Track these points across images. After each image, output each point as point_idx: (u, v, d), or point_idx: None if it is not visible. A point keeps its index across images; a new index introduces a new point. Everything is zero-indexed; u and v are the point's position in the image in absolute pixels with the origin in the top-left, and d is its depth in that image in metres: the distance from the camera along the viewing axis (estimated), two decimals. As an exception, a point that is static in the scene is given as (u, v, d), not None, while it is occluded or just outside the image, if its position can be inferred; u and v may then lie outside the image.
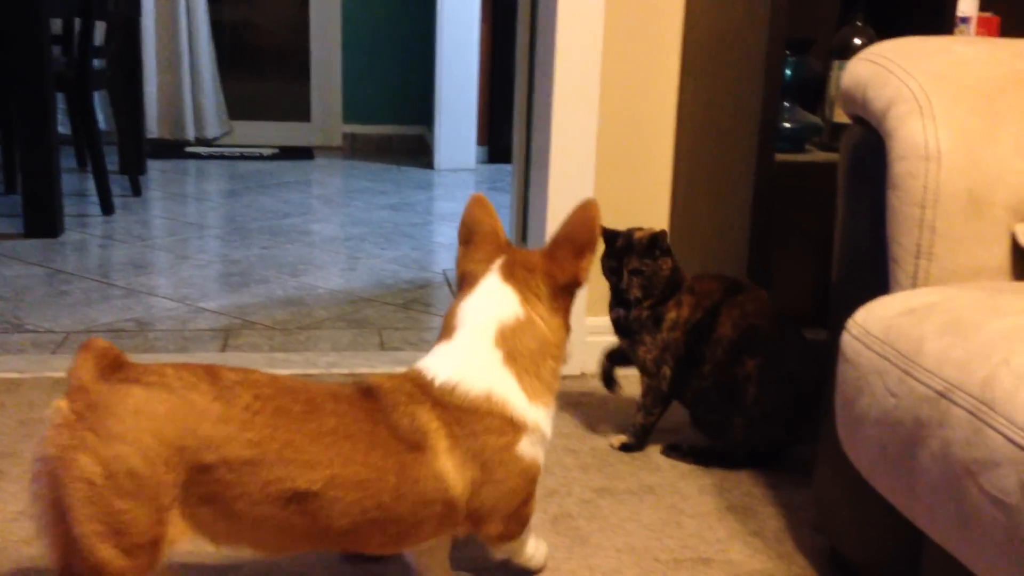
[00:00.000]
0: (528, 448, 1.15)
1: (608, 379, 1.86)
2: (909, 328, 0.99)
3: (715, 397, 1.68)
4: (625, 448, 1.76)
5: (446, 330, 1.18)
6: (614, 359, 1.85)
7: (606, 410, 1.96)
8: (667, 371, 1.71)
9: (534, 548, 1.32)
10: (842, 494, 1.32)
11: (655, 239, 1.66)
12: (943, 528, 0.89)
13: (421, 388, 1.12)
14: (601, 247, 1.65)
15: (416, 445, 1.08)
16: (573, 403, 1.99)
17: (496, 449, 1.12)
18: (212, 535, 1.05)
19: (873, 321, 1.05)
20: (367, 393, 1.11)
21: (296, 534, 1.06)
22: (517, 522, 1.20)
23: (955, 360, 0.90)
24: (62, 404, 1.00)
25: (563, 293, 1.19)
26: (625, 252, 1.67)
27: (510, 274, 1.18)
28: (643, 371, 1.73)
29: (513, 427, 1.13)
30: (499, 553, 1.26)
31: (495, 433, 1.12)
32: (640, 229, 1.69)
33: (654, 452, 1.77)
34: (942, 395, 0.89)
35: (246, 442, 1.01)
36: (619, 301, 1.73)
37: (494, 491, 1.13)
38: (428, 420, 1.09)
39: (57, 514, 0.98)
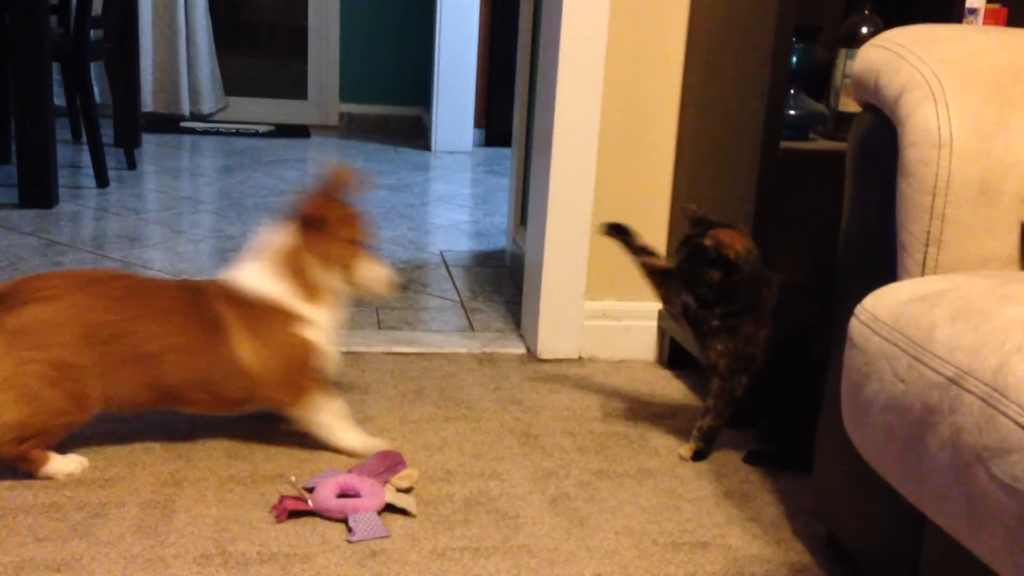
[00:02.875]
0: (303, 330, 1.56)
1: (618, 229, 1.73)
2: (919, 315, 0.99)
3: (799, 416, 1.58)
4: (697, 456, 1.67)
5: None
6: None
7: (604, 393, 1.96)
8: (743, 379, 1.64)
9: (352, 438, 1.62)
10: (842, 480, 1.33)
11: (695, 248, 1.57)
12: (951, 514, 0.89)
13: (224, 287, 1.56)
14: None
15: (217, 326, 1.52)
16: (570, 387, 1.99)
17: (274, 329, 1.55)
18: (107, 399, 1.47)
19: (882, 307, 1.05)
20: (189, 287, 1.57)
21: (151, 391, 1.50)
22: (299, 390, 1.58)
23: (967, 347, 0.90)
24: None
25: (309, 229, 1.58)
26: (683, 244, 1.61)
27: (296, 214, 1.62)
28: (714, 373, 1.66)
29: (287, 314, 1.56)
30: (302, 421, 1.59)
31: (273, 318, 1.55)
32: (719, 229, 1.57)
33: (652, 436, 1.77)
34: (953, 381, 0.89)
35: (119, 321, 1.45)
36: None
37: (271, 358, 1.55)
38: (226, 310, 1.53)
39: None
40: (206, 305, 1.53)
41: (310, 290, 1.58)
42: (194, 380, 1.51)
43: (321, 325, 1.60)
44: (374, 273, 1.64)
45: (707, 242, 1.56)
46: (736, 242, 1.56)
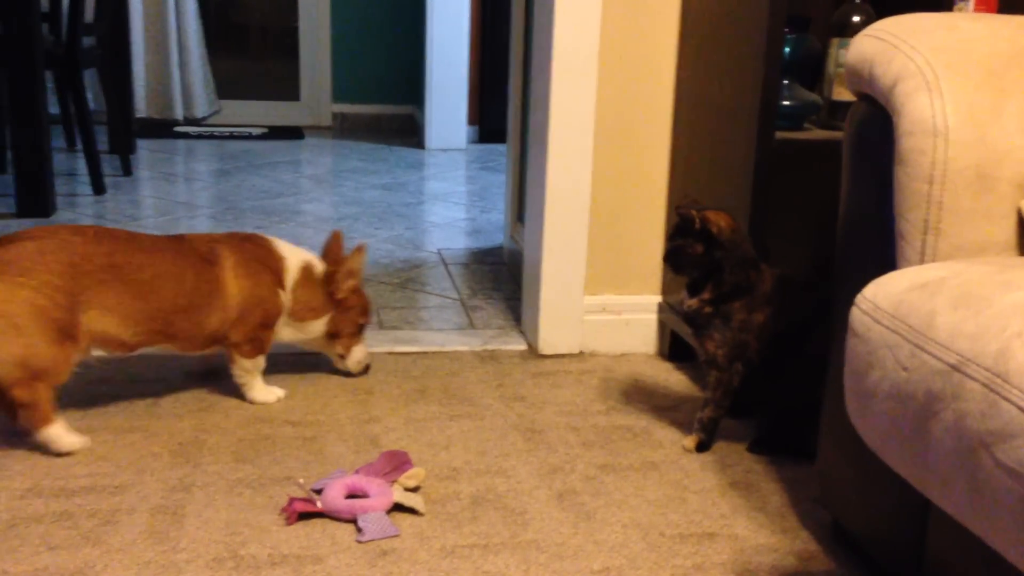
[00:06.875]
0: (282, 292, 1.80)
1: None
2: (920, 303, 1.00)
3: (799, 415, 1.59)
4: (701, 447, 1.69)
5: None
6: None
7: (606, 387, 1.97)
8: (740, 367, 1.65)
9: (264, 393, 1.81)
10: (846, 468, 1.34)
11: (682, 221, 1.62)
12: (956, 500, 0.90)
13: (229, 235, 1.80)
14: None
15: (209, 260, 1.71)
16: (572, 381, 2.00)
17: (263, 275, 1.77)
18: (97, 333, 1.59)
19: (883, 296, 1.06)
20: (179, 235, 1.76)
21: (140, 319, 1.62)
22: (256, 343, 1.79)
23: (968, 333, 0.91)
24: None
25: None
26: (674, 224, 1.66)
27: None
28: (712, 365, 1.67)
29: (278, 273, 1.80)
30: (237, 371, 1.79)
31: (267, 268, 1.78)
32: (709, 210, 1.64)
33: (655, 429, 1.78)
34: (955, 368, 0.90)
35: (103, 254, 1.59)
36: (686, 285, 1.68)
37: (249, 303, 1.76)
38: (222, 249, 1.73)
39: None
40: (198, 243, 1.73)
41: (309, 300, 1.85)
42: (182, 306, 1.67)
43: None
44: (355, 354, 1.93)
45: (693, 213, 1.62)
46: (721, 220, 1.62)
